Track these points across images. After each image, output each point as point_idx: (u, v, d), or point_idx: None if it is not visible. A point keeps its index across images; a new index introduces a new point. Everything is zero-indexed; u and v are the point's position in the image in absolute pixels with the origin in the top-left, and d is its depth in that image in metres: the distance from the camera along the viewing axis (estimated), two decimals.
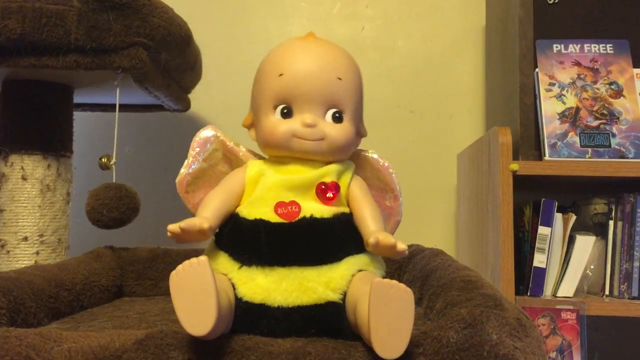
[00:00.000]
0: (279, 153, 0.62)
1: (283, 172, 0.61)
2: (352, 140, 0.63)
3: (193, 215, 0.65)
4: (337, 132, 0.61)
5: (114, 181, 0.92)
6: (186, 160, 0.64)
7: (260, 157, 0.66)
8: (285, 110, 0.61)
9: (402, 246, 0.53)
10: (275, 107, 0.61)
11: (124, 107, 1.19)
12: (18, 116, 0.99)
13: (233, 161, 0.66)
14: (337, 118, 0.61)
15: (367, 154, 0.66)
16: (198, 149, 0.64)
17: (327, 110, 0.61)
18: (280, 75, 0.61)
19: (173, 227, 0.53)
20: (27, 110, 0.99)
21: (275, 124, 0.61)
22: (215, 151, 0.65)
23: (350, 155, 0.65)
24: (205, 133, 0.65)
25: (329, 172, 0.60)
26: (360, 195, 0.61)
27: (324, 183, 0.59)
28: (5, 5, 0.84)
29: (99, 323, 0.67)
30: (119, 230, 0.91)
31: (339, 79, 0.61)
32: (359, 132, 0.66)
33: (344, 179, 0.62)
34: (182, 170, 0.64)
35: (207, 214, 0.58)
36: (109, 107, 1.22)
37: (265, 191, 0.59)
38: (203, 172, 0.65)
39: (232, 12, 1.45)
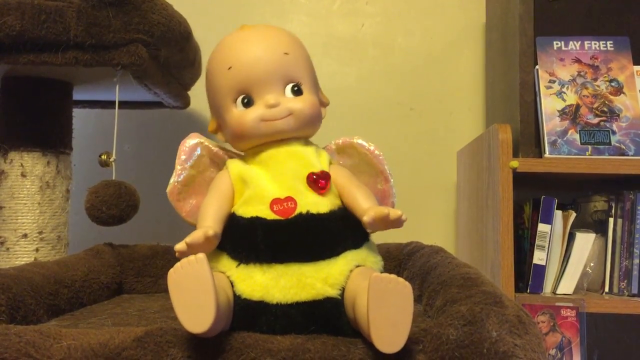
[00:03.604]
0: (252, 143, 0.62)
1: (265, 164, 0.61)
2: (318, 110, 0.64)
3: (186, 224, 0.65)
4: (302, 104, 0.62)
5: (113, 178, 0.92)
6: (174, 170, 0.65)
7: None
8: (245, 100, 0.61)
9: (395, 213, 0.53)
10: (235, 100, 0.62)
11: (124, 104, 1.19)
12: (17, 113, 0.98)
13: (220, 165, 0.66)
14: (297, 91, 0.62)
15: (352, 140, 0.67)
16: (184, 157, 0.65)
17: (285, 86, 0.62)
18: (229, 68, 0.61)
19: (179, 245, 0.52)
20: (26, 107, 0.98)
21: (240, 115, 0.61)
22: (201, 157, 0.66)
23: (319, 126, 0.66)
24: (190, 141, 0.66)
25: (310, 161, 0.60)
26: (344, 181, 0.61)
27: (314, 173, 0.59)
28: (4, 2, 0.84)
29: (99, 320, 0.67)
30: (119, 228, 0.91)
31: (286, 53, 0.62)
32: (321, 101, 0.67)
33: (323, 166, 0.62)
34: (172, 180, 0.65)
35: (208, 222, 0.57)
36: (109, 104, 1.22)
37: (259, 189, 0.59)
38: (192, 179, 0.65)
39: (232, 8, 1.45)
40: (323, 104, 0.68)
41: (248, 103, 0.61)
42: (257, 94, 0.61)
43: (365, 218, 0.54)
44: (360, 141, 0.66)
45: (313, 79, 0.65)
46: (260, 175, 0.60)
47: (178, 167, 0.65)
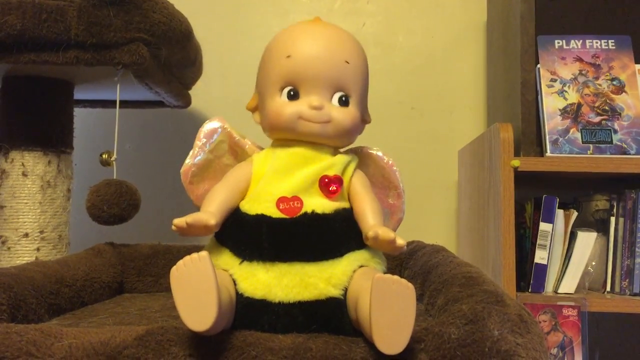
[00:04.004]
0: (284, 135, 0.62)
1: (288, 156, 0.60)
2: (358, 125, 0.63)
3: (195, 208, 0.65)
4: (344, 116, 0.61)
5: (114, 177, 0.92)
6: (192, 151, 0.64)
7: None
8: (292, 93, 0.60)
9: (400, 242, 0.53)
10: (282, 89, 0.61)
11: (125, 104, 1.19)
12: (18, 112, 0.98)
13: (239, 154, 0.66)
14: (344, 102, 0.61)
15: (371, 151, 0.66)
16: (204, 140, 0.64)
17: (334, 93, 0.61)
18: (288, 57, 0.60)
19: (179, 221, 0.53)
20: (27, 106, 0.98)
21: (282, 105, 0.60)
22: (221, 143, 0.65)
23: (354, 141, 0.65)
24: (212, 124, 0.64)
25: (334, 164, 0.60)
26: (361, 190, 0.61)
27: (327, 176, 0.59)
28: (5, 1, 0.84)
29: (100, 319, 0.67)
30: (120, 227, 0.91)
31: (347, 62, 0.61)
32: (364, 118, 0.66)
33: (347, 172, 0.62)
34: (187, 161, 0.64)
35: (213, 208, 0.57)
36: (110, 104, 1.22)
37: (268, 186, 0.59)
38: (208, 163, 0.65)
39: (233, 7, 1.45)
40: (365, 121, 0.67)
41: (293, 96, 0.60)
42: (304, 91, 0.60)
43: (371, 234, 0.54)
44: (379, 153, 0.66)
45: (364, 94, 0.65)
46: (275, 172, 0.60)
47: (196, 148, 0.64)
